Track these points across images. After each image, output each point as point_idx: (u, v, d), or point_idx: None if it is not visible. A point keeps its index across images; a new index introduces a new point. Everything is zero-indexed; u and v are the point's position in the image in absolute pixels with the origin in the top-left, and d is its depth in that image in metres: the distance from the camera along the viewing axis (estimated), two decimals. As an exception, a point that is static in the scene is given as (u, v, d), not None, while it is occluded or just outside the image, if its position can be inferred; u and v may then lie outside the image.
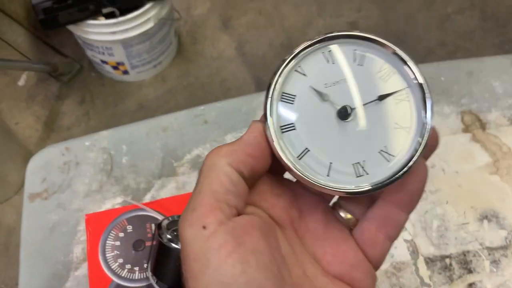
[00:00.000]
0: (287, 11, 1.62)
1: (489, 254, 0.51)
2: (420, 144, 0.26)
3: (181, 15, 1.52)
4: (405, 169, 0.26)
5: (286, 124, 0.28)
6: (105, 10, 1.20)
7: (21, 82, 1.54)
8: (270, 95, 0.28)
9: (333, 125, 0.28)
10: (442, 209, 0.54)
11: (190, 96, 1.48)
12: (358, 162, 0.27)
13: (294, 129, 0.28)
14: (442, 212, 0.54)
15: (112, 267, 0.45)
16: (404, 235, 0.53)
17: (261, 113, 0.28)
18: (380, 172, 0.27)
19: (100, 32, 1.24)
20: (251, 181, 0.27)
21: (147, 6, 1.23)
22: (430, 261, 0.51)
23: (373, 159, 0.27)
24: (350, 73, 0.28)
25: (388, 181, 0.27)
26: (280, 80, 0.28)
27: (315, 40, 0.28)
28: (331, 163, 0.27)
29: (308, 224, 0.29)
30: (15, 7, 1.67)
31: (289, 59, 0.28)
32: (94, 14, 1.20)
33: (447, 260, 0.51)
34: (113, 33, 1.24)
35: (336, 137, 0.28)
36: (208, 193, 0.25)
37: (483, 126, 0.59)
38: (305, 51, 0.28)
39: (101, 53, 1.35)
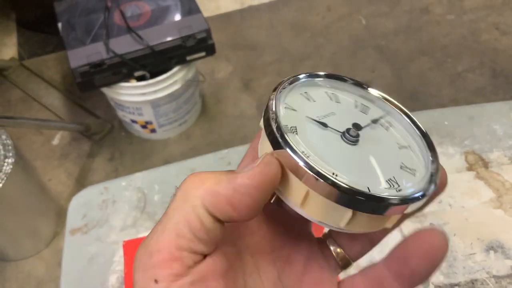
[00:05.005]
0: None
1: (496, 282, 0.54)
2: (432, 158, 0.26)
3: (205, 78, 1.63)
4: (435, 179, 0.25)
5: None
6: (137, 73, 1.30)
7: (55, 142, 1.64)
8: (275, 126, 0.25)
9: (347, 149, 0.25)
10: (450, 240, 0.58)
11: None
12: (390, 179, 0.25)
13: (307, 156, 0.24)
14: (450, 244, 0.57)
15: (146, 287, 0.50)
16: (415, 265, 0.56)
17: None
18: (413, 185, 0.25)
19: (131, 94, 1.35)
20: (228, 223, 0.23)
21: (175, 69, 1.34)
22: (440, 289, 0.54)
23: (400, 175, 0.25)
24: (334, 107, 0.28)
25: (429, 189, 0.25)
26: (278, 113, 0.26)
27: (286, 81, 0.28)
28: (368, 187, 0.24)
29: (290, 256, 0.26)
30: (52, 73, 1.82)
31: (274, 96, 0.27)
32: (127, 77, 1.31)
33: (457, 288, 0.54)
34: (143, 94, 1.34)
35: (356, 160, 0.25)
36: (171, 235, 0.21)
37: (485, 165, 0.63)
38: (282, 91, 0.27)
39: (131, 113, 1.45)
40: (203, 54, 1.33)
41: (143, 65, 1.29)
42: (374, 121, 0.28)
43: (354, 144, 0.25)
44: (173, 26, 1.31)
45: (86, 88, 1.29)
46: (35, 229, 1.38)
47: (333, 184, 0.22)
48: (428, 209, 0.60)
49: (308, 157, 0.23)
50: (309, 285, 0.26)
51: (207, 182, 0.22)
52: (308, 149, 0.24)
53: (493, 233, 0.58)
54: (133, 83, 1.32)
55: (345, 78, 0.30)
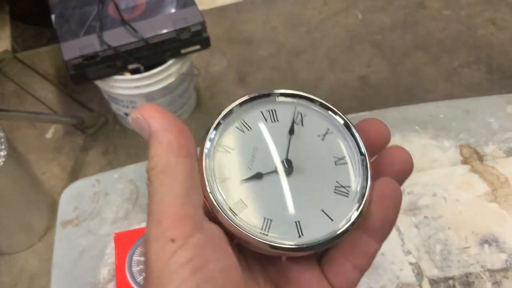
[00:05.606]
0: (300, 66, 1.71)
1: (491, 276, 0.54)
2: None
3: (200, 72, 1.62)
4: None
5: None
6: (131, 66, 1.29)
7: (48, 135, 1.63)
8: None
9: (286, 185, 0.26)
10: (445, 234, 0.57)
11: (208, 146, 1.55)
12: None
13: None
14: (444, 237, 0.57)
15: (138, 280, 0.49)
16: (409, 258, 0.56)
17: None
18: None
19: (125, 87, 1.33)
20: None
21: (169, 62, 1.33)
22: (434, 283, 0.54)
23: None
24: (252, 141, 0.28)
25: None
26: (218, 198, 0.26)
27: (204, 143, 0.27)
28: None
29: None
30: (46, 66, 1.80)
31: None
32: (121, 70, 1.29)
33: (451, 282, 0.54)
34: (137, 87, 1.33)
35: (294, 196, 0.26)
36: (171, 200, 0.22)
37: (480, 158, 0.63)
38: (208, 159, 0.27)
39: (125, 106, 1.44)
40: (198, 47, 1.32)
41: (137, 58, 1.28)
42: (291, 132, 0.28)
43: (291, 174, 0.27)
44: (168, 18, 1.30)
45: (80, 81, 1.28)
46: (28, 223, 1.37)
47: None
48: (422, 202, 0.60)
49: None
50: (293, 273, 0.26)
51: (172, 142, 0.24)
52: (264, 212, 0.26)
53: (488, 227, 0.57)
54: (127, 76, 1.31)
55: (246, 98, 0.29)
